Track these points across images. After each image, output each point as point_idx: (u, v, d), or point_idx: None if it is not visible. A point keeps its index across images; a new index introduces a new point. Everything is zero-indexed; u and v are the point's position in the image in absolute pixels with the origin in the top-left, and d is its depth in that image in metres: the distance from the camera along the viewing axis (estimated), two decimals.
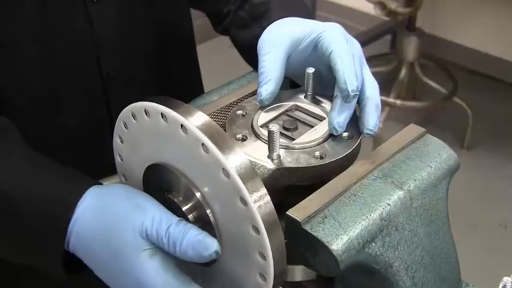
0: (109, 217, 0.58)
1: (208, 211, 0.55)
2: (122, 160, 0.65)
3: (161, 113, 0.56)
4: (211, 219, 0.55)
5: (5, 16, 0.74)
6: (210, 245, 0.54)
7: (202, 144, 0.53)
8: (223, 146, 0.52)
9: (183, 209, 0.57)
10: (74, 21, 0.79)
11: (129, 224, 0.57)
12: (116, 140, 0.64)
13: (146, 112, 0.57)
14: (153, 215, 0.56)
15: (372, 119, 0.64)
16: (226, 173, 0.52)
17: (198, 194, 0.56)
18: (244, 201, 0.52)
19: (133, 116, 0.59)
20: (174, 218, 0.56)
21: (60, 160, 0.66)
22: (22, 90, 0.78)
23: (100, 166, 0.70)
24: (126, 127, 0.61)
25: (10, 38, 0.75)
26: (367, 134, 0.64)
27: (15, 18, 0.74)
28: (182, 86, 0.98)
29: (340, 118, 0.63)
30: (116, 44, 0.83)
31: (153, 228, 0.56)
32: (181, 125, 0.54)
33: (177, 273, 0.57)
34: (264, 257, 0.53)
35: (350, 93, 0.62)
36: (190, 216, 0.57)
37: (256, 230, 0.52)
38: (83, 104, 0.83)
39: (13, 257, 0.67)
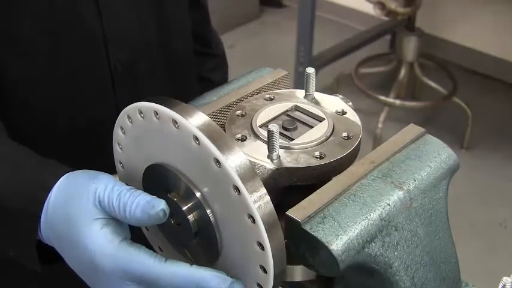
0: (70, 192, 0.59)
1: (208, 211, 0.55)
2: (123, 168, 0.65)
3: (154, 111, 0.56)
4: (211, 219, 0.55)
5: (15, 7, 0.74)
6: (157, 204, 0.55)
7: (196, 137, 0.53)
8: (222, 146, 0.52)
9: (183, 208, 0.57)
10: (84, 13, 0.79)
11: (84, 192, 0.57)
12: (116, 147, 0.64)
13: (140, 112, 0.57)
14: (106, 183, 0.57)
15: None
16: (218, 163, 0.52)
17: (198, 194, 0.56)
18: (237, 190, 0.51)
19: (129, 119, 0.59)
20: (126, 186, 0.57)
21: (65, 157, 0.66)
22: (32, 83, 0.78)
23: (105, 164, 0.69)
24: (123, 132, 0.61)
25: (20, 30, 0.75)
26: None
27: (25, 10, 0.75)
28: (188, 82, 0.98)
29: None
30: (124, 37, 0.83)
31: (105, 194, 0.57)
32: (174, 120, 0.54)
33: (130, 243, 0.57)
34: (262, 248, 0.53)
35: None
36: (190, 216, 0.57)
37: (252, 219, 0.52)
38: (91, 98, 0.83)
39: None
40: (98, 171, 0.60)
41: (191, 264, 0.55)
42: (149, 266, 0.55)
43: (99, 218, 0.57)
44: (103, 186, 0.57)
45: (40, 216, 0.60)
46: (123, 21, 0.83)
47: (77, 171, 0.62)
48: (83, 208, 0.57)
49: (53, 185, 0.60)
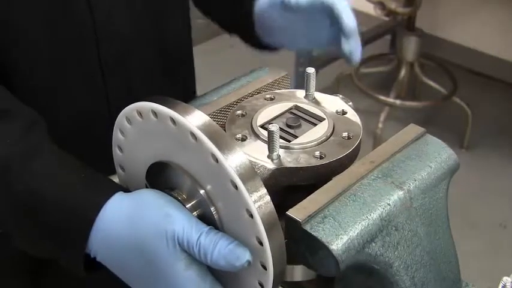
0: (140, 227, 0.57)
1: (212, 208, 0.55)
2: (123, 171, 0.65)
3: (152, 111, 0.56)
4: (215, 217, 0.55)
5: None
6: (242, 255, 0.53)
7: (193, 135, 0.53)
8: (222, 146, 0.52)
9: (187, 206, 0.57)
10: (75, 6, 0.78)
11: (161, 234, 0.55)
12: (115, 150, 0.63)
13: (139, 113, 0.57)
14: (183, 225, 0.55)
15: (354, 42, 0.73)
16: (215, 158, 0.52)
17: (201, 191, 0.56)
18: (237, 189, 0.52)
19: (128, 120, 0.59)
20: (205, 227, 0.55)
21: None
22: (22, 74, 0.77)
23: (101, 162, 0.69)
24: (123, 134, 0.61)
25: (12, 18, 0.74)
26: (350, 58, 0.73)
27: (19, 1, 0.74)
28: (184, 79, 0.98)
29: (351, 45, 0.72)
30: (115, 29, 0.82)
31: (184, 237, 0.55)
32: (172, 119, 0.54)
33: (214, 282, 0.56)
34: (261, 244, 0.53)
35: (352, 29, 0.72)
36: (194, 214, 0.57)
37: (252, 216, 0.52)
38: (82, 94, 0.82)
39: (35, 251, 0.65)
40: (165, 200, 0.57)
41: None
42: None
43: (182, 259, 0.55)
44: (180, 229, 0.55)
45: (88, 235, 0.59)
46: (114, 17, 0.82)
47: (133, 193, 0.60)
48: (163, 250, 0.55)
49: (104, 205, 0.59)
